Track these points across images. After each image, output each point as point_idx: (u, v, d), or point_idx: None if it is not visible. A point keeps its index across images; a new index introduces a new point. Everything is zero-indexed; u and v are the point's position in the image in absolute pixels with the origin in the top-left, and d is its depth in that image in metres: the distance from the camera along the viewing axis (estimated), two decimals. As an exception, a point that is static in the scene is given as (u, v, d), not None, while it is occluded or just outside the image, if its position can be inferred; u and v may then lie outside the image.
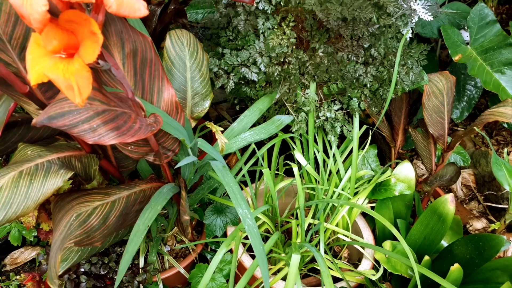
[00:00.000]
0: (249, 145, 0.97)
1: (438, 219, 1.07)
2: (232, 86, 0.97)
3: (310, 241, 1.12)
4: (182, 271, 1.26)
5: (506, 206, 1.63)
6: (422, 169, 1.80)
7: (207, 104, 0.91)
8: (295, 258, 0.83)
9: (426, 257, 1.06)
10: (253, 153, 1.05)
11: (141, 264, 1.20)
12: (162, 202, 0.80)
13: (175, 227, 1.22)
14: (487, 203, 1.71)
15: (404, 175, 1.20)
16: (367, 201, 1.23)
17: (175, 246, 1.35)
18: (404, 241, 1.07)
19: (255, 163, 1.12)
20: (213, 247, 1.29)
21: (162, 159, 0.82)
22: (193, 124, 0.93)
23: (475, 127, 1.12)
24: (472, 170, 1.85)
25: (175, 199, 0.97)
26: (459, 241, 1.03)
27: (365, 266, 1.15)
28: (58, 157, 0.74)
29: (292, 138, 1.14)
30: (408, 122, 1.42)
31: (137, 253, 1.22)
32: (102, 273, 1.13)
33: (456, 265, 0.97)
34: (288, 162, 1.30)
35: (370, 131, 1.27)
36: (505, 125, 1.71)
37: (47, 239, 1.37)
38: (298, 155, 1.06)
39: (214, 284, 1.10)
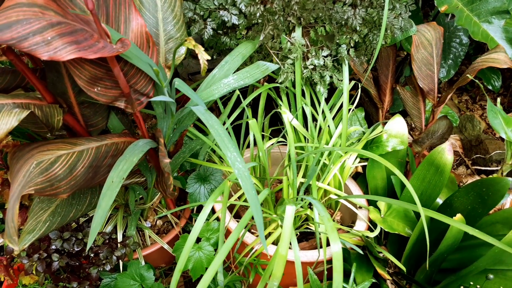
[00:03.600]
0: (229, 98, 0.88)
1: (436, 171, 1.02)
2: (210, 32, 0.89)
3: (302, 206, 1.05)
4: (166, 246, 1.17)
5: (496, 168, 1.61)
6: (410, 133, 1.76)
7: (182, 50, 0.81)
8: (290, 209, 0.75)
9: (422, 220, 1.00)
10: (236, 110, 0.97)
11: (120, 239, 1.10)
12: (138, 154, 0.71)
13: (155, 198, 1.13)
14: (475, 167, 1.68)
15: (396, 130, 1.14)
16: (358, 160, 1.16)
17: (156, 222, 1.26)
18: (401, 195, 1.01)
19: (239, 125, 1.04)
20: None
21: (134, 106, 0.72)
22: (168, 74, 0.83)
23: (468, 75, 1.07)
24: (458, 136, 1.82)
25: (153, 160, 0.87)
26: (459, 192, 0.98)
27: (360, 227, 1.09)
28: (13, 102, 0.64)
29: (278, 95, 1.06)
30: (395, 81, 1.37)
31: (115, 228, 1.12)
32: (77, 249, 1.02)
33: (459, 215, 0.92)
34: (273, 129, 1.22)
35: (358, 87, 1.20)
36: (489, 87, 1.68)
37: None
38: (285, 110, 0.98)
39: (201, 253, 1.01)
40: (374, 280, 0.85)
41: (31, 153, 0.62)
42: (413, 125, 1.76)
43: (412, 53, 1.17)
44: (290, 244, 0.94)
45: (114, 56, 0.61)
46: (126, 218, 1.15)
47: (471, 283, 0.92)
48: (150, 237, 1.19)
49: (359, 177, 1.30)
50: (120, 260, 1.06)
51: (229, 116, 0.92)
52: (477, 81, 1.02)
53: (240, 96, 0.92)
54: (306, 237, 1.16)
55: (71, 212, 0.88)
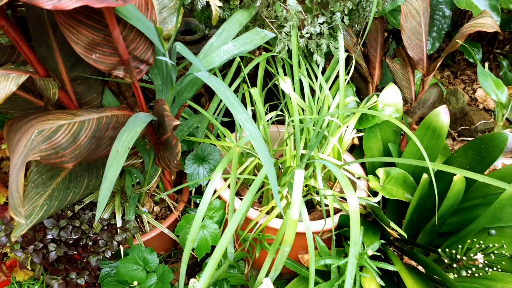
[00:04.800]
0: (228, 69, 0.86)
1: (433, 135, 1.03)
2: (204, 3, 0.86)
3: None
4: (166, 231, 1.14)
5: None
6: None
7: (175, 19, 0.79)
8: (299, 174, 0.74)
9: (424, 175, 1.01)
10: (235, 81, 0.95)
11: (119, 225, 1.06)
12: (142, 124, 0.69)
13: (152, 182, 1.10)
14: (462, 138, 1.72)
15: (390, 99, 1.15)
16: (355, 131, 1.17)
17: (153, 208, 1.23)
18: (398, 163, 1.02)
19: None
20: (198, 201, 1.17)
21: (133, 74, 0.70)
22: (166, 44, 0.81)
23: (457, 40, 1.09)
24: (443, 110, 1.86)
25: (151, 137, 0.84)
26: (457, 153, 0.99)
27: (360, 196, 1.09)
28: (7, 73, 0.60)
29: (275, 69, 1.05)
30: (384, 54, 1.38)
31: (113, 214, 1.09)
32: (74, 237, 0.98)
33: (459, 175, 0.93)
34: (269, 104, 1.21)
35: (350, 62, 1.20)
36: (471, 60, 1.72)
37: (2, 216, 1.19)
38: (284, 78, 0.96)
39: (205, 232, 0.99)
40: (383, 241, 0.85)
41: (30, 124, 0.58)
42: (403, 97, 1.79)
43: (401, 22, 1.18)
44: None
45: (114, 16, 0.58)
46: (123, 204, 1.11)
47: (474, 239, 0.93)
48: (148, 223, 1.16)
49: (354, 150, 1.30)
50: (121, 246, 1.02)
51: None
52: (465, 45, 1.03)
53: (241, 65, 0.90)
54: (309, 211, 1.15)
55: (69, 195, 0.85)
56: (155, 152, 0.88)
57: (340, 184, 1.19)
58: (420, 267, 1.17)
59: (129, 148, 0.64)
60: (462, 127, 1.75)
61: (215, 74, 0.87)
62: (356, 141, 1.24)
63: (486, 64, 1.15)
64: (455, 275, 0.86)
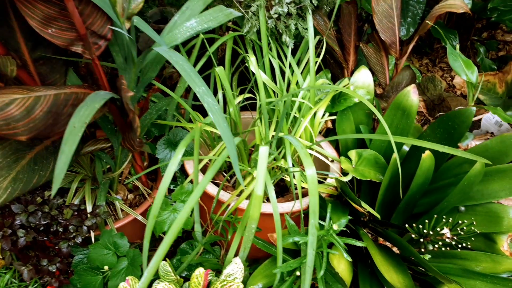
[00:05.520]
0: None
1: (402, 114, 1.04)
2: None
3: (275, 159, 1.04)
4: (140, 218, 1.13)
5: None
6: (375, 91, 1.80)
7: (140, -1, 0.78)
8: (263, 150, 0.74)
9: (394, 155, 1.01)
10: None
11: (89, 210, 1.05)
12: (100, 101, 0.68)
13: (124, 165, 1.09)
14: (439, 124, 1.74)
15: (362, 81, 1.16)
16: (327, 114, 1.17)
17: (127, 196, 1.22)
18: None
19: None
20: (172, 187, 1.17)
21: (92, 50, 0.69)
22: (127, 25, 0.80)
23: (427, 21, 1.10)
24: (421, 97, 1.87)
25: (116, 117, 0.83)
26: (426, 132, 1.00)
27: (333, 180, 1.10)
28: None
29: (246, 51, 1.05)
30: (358, 39, 1.38)
31: (83, 200, 1.07)
32: (43, 223, 0.97)
33: (427, 152, 0.94)
34: (241, 88, 1.21)
35: (322, 46, 1.20)
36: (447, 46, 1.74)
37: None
38: (252, 60, 0.96)
39: (176, 215, 0.98)
40: (350, 217, 0.85)
41: (-18, 97, 0.57)
42: (378, 82, 1.80)
43: (372, 6, 1.19)
44: (268, 200, 0.93)
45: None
46: (95, 191, 1.10)
47: (444, 217, 0.94)
48: (122, 210, 1.15)
49: (329, 134, 1.31)
50: (91, 231, 1.01)
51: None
52: (436, 26, 1.04)
53: (206, 44, 0.89)
54: (282, 194, 1.15)
55: (34, 178, 0.83)
56: (122, 134, 0.87)
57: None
58: (395, 249, 1.18)
59: (86, 124, 0.63)
60: (439, 114, 1.76)
61: (179, 51, 0.86)
62: (330, 125, 1.24)
63: (458, 46, 1.16)
64: (423, 249, 0.87)
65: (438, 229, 0.84)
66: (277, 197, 1.13)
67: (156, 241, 1.34)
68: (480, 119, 1.53)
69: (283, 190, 1.20)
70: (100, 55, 0.76)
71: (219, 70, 0.82)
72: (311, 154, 1.11)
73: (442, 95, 1.76)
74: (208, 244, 1.09)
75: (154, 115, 0.94)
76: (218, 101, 1.05)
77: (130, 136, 0.77)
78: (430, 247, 0.84)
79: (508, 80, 1.75)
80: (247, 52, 1.02)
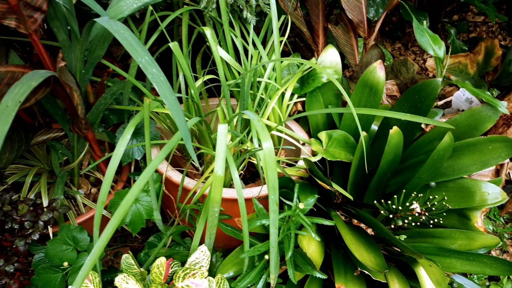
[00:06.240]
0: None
1: (370, 92, 1.01)
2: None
3: (242, 142, 1.00)
4: (104, 212, 1.07)
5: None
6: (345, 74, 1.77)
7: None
8: (222, 128, 0.70)
9: (363, 133, 0.98)
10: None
11: (46, 205, 0.99)
12: (38, 79, 0.62)
13: (81, 155, 1.03)
14: (413, 107, 1.72)
15: (329, 61, 1.13)
16: (296, 96, 1.13)
17: (90, 190, 1.16)
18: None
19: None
20: (137, 178, 1.11)
21: (28, 24, 0.63)
22: None
23: (392, -4, 1.08)
24: (394, 81, 1.86)
25: (64, 100, 0.78)
26: (394, 108, 0.98)
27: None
28: None
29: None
30: (326, 21, 1.35)
31: (39, 194, 1.01)
32: (-6, 219, 0.91)
33: (395, 128, 0.92)
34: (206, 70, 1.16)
35: (289, 28, 1.17)
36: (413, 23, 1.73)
37: None
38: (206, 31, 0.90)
39: (139, 205, 0.93)
40: (317, 196, 0.82)
41: None
42: (349, 65, 1.78)
43: (337, -17, 1.16)
44: (232, 186, 0.89)
45: None
46: (53, 185, 1.04)
47: (414, 194, 0.92)
48: (85, 205, 1.09)
49: (300, 119, 1.27)
50: (49, 227, 0.95)
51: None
52: (404, 3, 1.02)
53: (158, 19, 0.85)
54: (254, 180, 1.11)
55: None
56: (72, 119, 0.82)
57: (284, 151, 1.16)
58: (370, 231, 1.15)
59: (20, 102, 0.58)
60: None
61: (130, 28, 0.81)
62: (300, 107, 1.21)
63: (425, 22, 1.14)
64: (392, 226, 0.84)
65: (408, 204, 0.81)
66: (248, 183, 1.09)
67: (126, 236, 1.29)
68: (451, 101, 1.52)
69: (255, 176, 1.16)
70: (45, 33, 0.71)
71: (173, 45, 0.77)
72: (281, 137, 1.07)
73: (415, 78, 1.75)
74: (177, 235, 1.04)
75: (109, 100, 0.89)
76: (179, 85, 1.00)
77: (77, 120, 0.71)
78: (400, 223, 0.82)
79: (479, 60, 1.75)
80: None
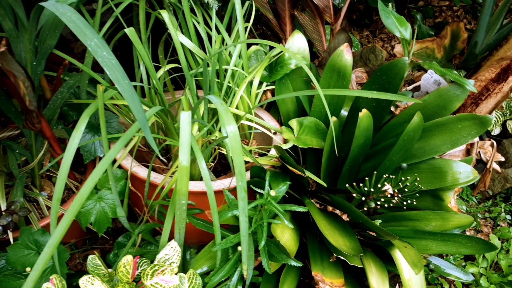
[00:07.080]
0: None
1: (338, 76, 0.99)
2: None
3: (210, 133, 0.97)
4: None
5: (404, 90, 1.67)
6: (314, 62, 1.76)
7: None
8: (184, 115, 0.67)
9: (333, 118, 0.97)
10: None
11: (3, 208, 0.93)
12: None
13: (40, 154, 0.97)
14: (384, 93, 1.73)
15: (297, 47, 1.11)
16: (265, 84, 1.11)
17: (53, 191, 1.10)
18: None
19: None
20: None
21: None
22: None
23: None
24: (364, 68, 1.86)
25: (16, 97, 0.73)
26: (362, 91, 0.96)
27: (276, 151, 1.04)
28: None
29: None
30: (293, 8, 1.33)
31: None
32: None
33: (364, 110, 0.90)
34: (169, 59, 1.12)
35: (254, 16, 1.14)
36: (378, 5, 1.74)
37: None
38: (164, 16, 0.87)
39: (103, 204, 0.89)
40: (289, 182, 0.80)
41: None
42: (315, 50, 1.77)
43: (301, -32, 1.14)
44: (201, 179, 0.85)
45: None
46: (13, 187, 0.98)
47: (385, 176, 0.91)
48: (48, 208, 1.03)
49: (271, 108, 1.25)
50: (8, 231, 0.90)
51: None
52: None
53: (112, 5, 0.80)
54: (225, 172, 1.08)
55: None
56: (24, 114, 0.76)
57: (256, 141, 1.14)
58: (345, 217, 1.14)
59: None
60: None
61: (82, 15, 0.76)
62: (270, 96, 1.18)
63: (390, 5, 1.14)
64: (365, 208, 0.83)
65: (380, 185, 0.80)
66: (220, 175, 1.06)
67: (96, 238, 1.24)
68: (420, 85, 1.53)
69: (227, 168, 1.13)
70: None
71: (129, 31, 0.73)
72: (252, 127, 1.04)
73: (384, 64, 1.76)
74: (148, 234, 1.00)
75: (66, 94, 0.84)
76: (141, 75, 0.96)
77: (29, 114, 0.67)
78: (373, 205, 0.81)
79: (445, 44, 1.77)
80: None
